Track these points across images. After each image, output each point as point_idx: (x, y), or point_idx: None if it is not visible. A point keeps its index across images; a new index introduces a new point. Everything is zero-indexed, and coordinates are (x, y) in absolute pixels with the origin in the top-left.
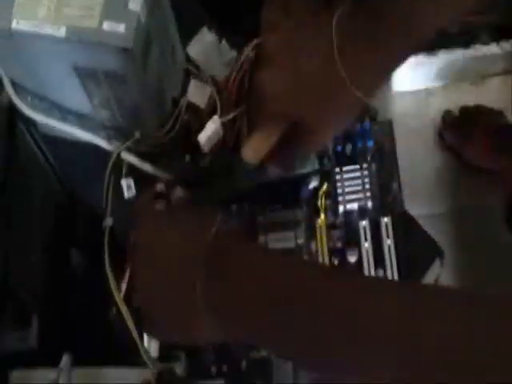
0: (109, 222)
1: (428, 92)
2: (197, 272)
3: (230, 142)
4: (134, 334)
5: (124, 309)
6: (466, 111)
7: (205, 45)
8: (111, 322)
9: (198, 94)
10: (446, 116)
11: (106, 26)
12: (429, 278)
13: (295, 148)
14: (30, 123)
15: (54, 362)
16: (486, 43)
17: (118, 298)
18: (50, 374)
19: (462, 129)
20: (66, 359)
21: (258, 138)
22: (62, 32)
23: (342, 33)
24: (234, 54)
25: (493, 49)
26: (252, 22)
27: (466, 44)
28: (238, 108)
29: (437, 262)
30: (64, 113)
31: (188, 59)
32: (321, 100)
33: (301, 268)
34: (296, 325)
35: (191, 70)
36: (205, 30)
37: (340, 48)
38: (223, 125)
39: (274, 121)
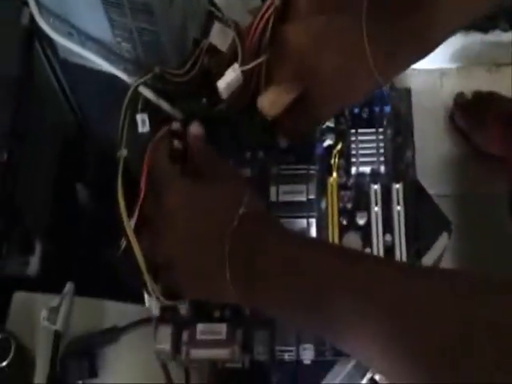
0: (124, 152)
1: (442, 72)
2: (223, 248)
3: (249, 91)
4: (142, 265)
5: (133, 239)
6: (479, 96)
7: None
8: (118, 256)
9: (220, 36)
10: (459, 98)
11: None
12: (436, 249)
13: (305, 115)
14: (49, 47)
15: (56, 291)
16: (504, 30)
17: (129, 227)
18: (52, 299)
19: (474, 113)
20: (69, 287)
21: (276, 90)
22: None
23: (373, 18)
24: (258, 1)
25: (510, 36)
26: None
27: (484, 29)
28: (259, 58)
29: (444, 235)
30: (84, 39)
31: (211, 2)
32: (341, 71)
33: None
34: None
35: (215, 13)
36: None
37: (369, 32)
38: (243, 73)
39: (293, 77)
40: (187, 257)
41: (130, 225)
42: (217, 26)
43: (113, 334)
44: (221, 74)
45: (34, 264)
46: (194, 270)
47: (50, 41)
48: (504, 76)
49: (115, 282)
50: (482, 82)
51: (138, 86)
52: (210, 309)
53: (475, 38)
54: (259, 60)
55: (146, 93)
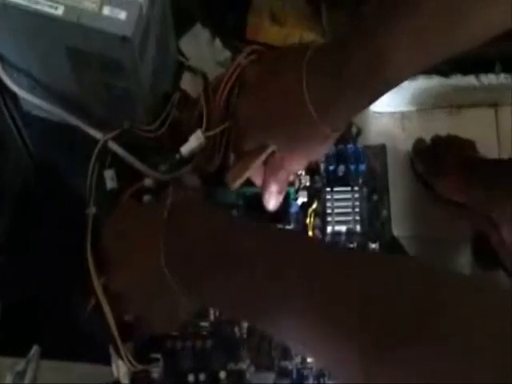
0: (93, 210)
1: (404, 116)
2: (157, 236)
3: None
4: (113, 327)
5: (103, 298)
6: (437, 141)
7: (198, 41)
8: (87, 315)
9: (191, 83)
10: (418, 144)
11: (107, 10)
12: None
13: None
14: (12, 100)
15: (18, 355)
16: (465, 74)
17: (98, 287)
18: (17, 363)
19: (432, 160)
20: (34, 350)
21: (238, 166)
22: (59, 11)
23: (311, 69)
24: (227, 54)
25: (471, 80)
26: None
27: (445, 73)
28: (223, 124)
29: None
30: (49, 93)
31: (181, 54)
32: (291, 132)
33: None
34: (250, 286)
35: (184, 63)
36: (199, 26)
37: (308, 85)
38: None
39: (252, 147)
40: (131, 283)
41: (99, 283)
42: (187, 74)
43: None
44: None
45: None
46: (143, 293)
47: (14, 94)
48: (465, 118)
49: (83, 342)
50: (443, 124)
51: (106, 141)
52: (184, 372)
53: (435, 81)
54: (222, 127)
55: (115, 148)
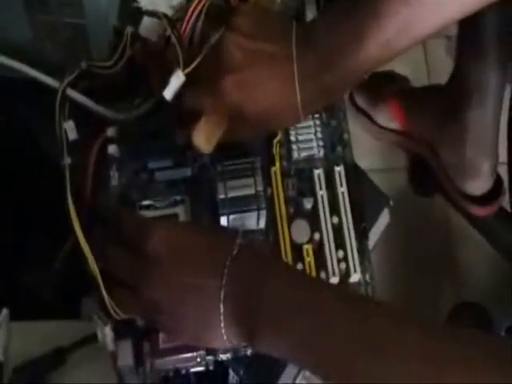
0: (68, 160)
1: None
2: (220, 270)
3: None
4: (98, 278)
5: (88, 251)
6: (375, 75)
7: None
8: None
9: (150, 29)
10: None
11: None
12: (379, 226)
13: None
14: None
15: None
16: None
17: (79, 231)
18: None
19: (372, 93)
20: (4, 312)
21: (208, 126)
22: None
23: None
24: None
25: None
26: None
27: None
28: (198, 56)
29: (386, 211)
30: (3, 44)
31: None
32: (269, 107)
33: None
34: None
35: (140, 8)
36: None
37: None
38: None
39: (223, 105)
40: (181, 305)
41: (83, 238)
42: (147, 19)
43: (58, 356)
44: (150, 65)
45: None
46: (187, 319)
47: None
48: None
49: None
50: None
51: (66, 86)
52: None
53: None
54: (199, 58)
55: (74, 95)
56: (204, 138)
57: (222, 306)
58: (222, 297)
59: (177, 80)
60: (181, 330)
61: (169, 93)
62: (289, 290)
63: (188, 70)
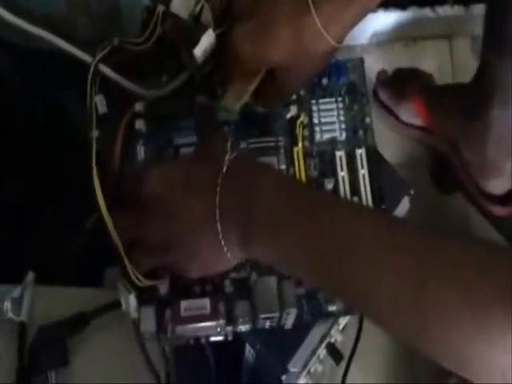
0: (96, 133)
1: (362, 49)
2: (213, 189)
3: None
4: (120, 247)
5: (109, 221)
6: (400, 72)
7: None
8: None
9: (181, 5)
10: (381, 75)
11: None
12: (397, 214)
13: (275, 91)
14: None
15: (12, 281)
16: (421, 6)
17: (102, 204)
18: (13, 290)
19: (396, 89)
20: (30, 276)
21: (237, 87)
22: None
23: None
24: None
25: (427, 12)
26: None
27: (401, 5)
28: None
29: (406, 198)
30: (37, 16)
31: None
32: (294, 47)
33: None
34: (306, 243)
35: None
36: None
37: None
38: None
39: (252, 69)
40: (182, 235)
41: (106, 210)
42: None
43: (81, 320)
44: (181, 41)
45: None
46: (192, 244)
47: None
48: (421, 50)
49: (78, 266)
50: (401, 56)
51: (98, 61)
52: (190, 285)
53: (393, 13)
54: (229, 23)
55: (105, 70)
56: (233, 99)
57: (219, 224)
58: (217, 217)
59: (207, 39)
60: (189, 262)
61: (199, 50)
62: (280, 193)
63: (218, 30)
